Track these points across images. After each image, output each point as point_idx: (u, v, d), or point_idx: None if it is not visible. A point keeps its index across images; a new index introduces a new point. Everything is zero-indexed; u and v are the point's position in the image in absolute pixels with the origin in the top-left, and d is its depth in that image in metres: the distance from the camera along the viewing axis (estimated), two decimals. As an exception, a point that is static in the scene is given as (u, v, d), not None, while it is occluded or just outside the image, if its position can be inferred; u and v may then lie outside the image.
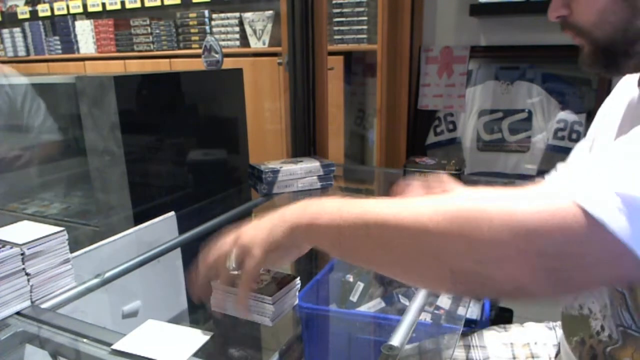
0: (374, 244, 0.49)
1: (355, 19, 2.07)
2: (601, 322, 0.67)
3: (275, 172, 1.34)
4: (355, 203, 0.52)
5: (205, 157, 1.47)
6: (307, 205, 0.56)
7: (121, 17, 2.90)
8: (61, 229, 0.79)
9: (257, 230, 0.61)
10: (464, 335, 0.98)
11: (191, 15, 2.59)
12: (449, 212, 0.43)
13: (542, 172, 1.85)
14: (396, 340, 0.63)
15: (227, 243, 0.64)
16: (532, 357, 0.88)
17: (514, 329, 0.97)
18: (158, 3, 2.69)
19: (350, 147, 2.34)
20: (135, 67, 2.74)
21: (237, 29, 2.46)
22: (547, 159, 1.85)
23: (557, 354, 0.86)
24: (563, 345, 0.77)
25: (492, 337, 0.95)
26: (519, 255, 0.40)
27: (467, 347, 0.93)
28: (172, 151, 1.36)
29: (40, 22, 3.22)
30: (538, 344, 0.90)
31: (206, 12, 2.54)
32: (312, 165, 1.41)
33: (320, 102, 1.62)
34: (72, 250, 0.82)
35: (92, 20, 2.96)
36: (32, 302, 0.75)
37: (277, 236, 0.58)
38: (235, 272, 0.64)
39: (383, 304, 1.38)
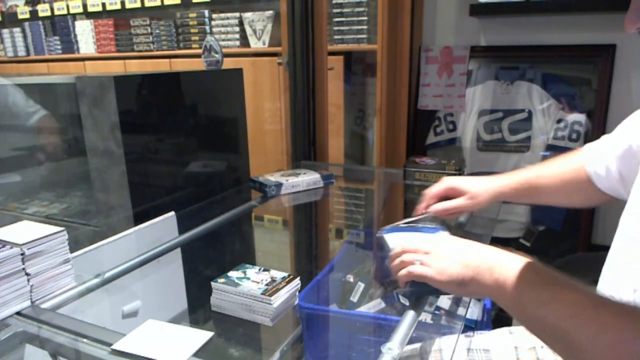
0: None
1: (355, 19, 2.07)
2: None
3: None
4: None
5: (205, 157, 1.47)
6: (495, 269, 0.65)
7: (121, 17, 2.90)
8: (61, 229, 0.79)
9: (448, 262, 0.70)
10: (467, 337, 0.97)
11: (191, 15, 2.59)
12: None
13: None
14: (396, 340, 0.63)
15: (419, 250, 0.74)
16: None
17: (519, 332, 0.96)
18: (158, 3, 2.68)
19: (350, 147, 2.34)
20: (135, 67, 2.74)
21: (237, 29, 2.46)
22: (547, 159, 1.85)
23: None
24: None
25: (496, 341, 0.94)
26: None
27: (470, 351, 0.93)
28: (172, 151, 1.36)
29: (40, 22, 3.22)
30: (545, 348, 0.89)
31: (206, 12, 2.54)
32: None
33: (320, 102, 1.62)
34: (72, 250, 0.82)
35: (92, 20, 2.96)
36: (32, 302, 0.75)
37: (458, 280, 0.68)
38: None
39: (383, 305, 1.38)
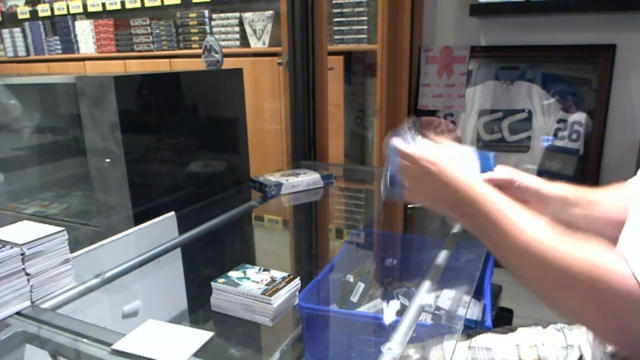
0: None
1: (355, 19, 2.07)
2: None
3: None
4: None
5: (205, 157, 1.47)
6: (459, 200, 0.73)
7: (121, 17, 2.90)
8: (61, 229, 0.79)
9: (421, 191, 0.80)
10: (469, 336, 0.97)
11: (191, 15, 2.59)
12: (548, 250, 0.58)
13: (542, 172, 1.86)
14: (396, 340, 0.63)
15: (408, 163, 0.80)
16: (540, 359, 0.88)
17: (520, 330, 0.96)
18: (158, 3, 2.68)
19: (350, 147, 2.34)
20: (135, 67, 2.74)
21: (237, 29, 2.46)
22: (547, 159, 1.85)
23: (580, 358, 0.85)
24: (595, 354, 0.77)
25: (498, 339, 0.94)
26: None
27: (472, 349, 0.93)
28: (172, 151, 1.36)
29: (40, 22, 3.22)
30: (546, 345, 0.89)
31: (206, 12, 2.54)
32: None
33: (320, 102, 1.62)
34: (72, 250, 0.82)
35: (92, 20, 2.95)
36: (32, 302, 0.75)
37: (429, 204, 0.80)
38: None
39: (383, 305, 1.38)
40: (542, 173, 1.86)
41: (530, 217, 0.64)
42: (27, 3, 3.36)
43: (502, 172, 0.86)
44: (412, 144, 0.83)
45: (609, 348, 0.72)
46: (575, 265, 0.56)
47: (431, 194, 0.79)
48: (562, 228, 0.61)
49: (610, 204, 0.83)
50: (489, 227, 0.67)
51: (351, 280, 1.42)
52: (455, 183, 0.73)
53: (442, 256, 0.91)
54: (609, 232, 0.79)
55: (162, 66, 2.63)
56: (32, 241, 0.74)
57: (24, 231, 0.77)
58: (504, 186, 0.85)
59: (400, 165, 0.81)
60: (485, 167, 0.87)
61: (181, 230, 1.15)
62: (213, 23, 2.54)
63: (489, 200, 0.69)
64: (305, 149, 1.64)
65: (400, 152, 0.80)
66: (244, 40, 2.47)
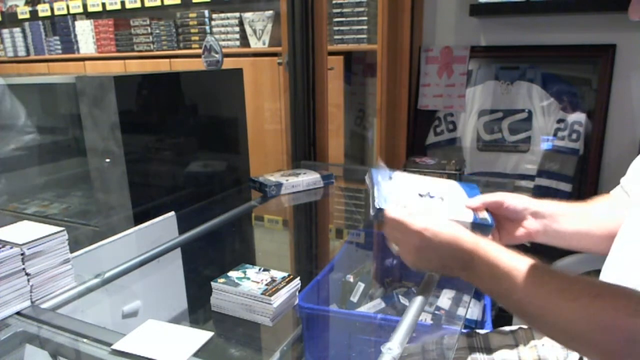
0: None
1: (355, 19, 2.07)
2: None
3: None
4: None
5: (205, 157, 1.47)
6: (472, 264, 0.68)
7: (121, 17, 2.90)
8: (61, 229, 0.79)
9: (424, 259, 0.74)
10: (468, 336, 0.97)
11: (191, 15, 2.59)
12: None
13: (542, 172, 1.86)
14: (396, 340, 0.63)
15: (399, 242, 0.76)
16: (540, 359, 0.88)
17: (520, 331, 0.96)
18: (158, 3, 2.68)
19: (350, 147, 2.34)
20: (135, 67, 2.74)
21: (237, 29, 2.46)
22: (547, 159, 1.85)
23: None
24: None
25: (497, 339, 0.94)
26: None
27: (472, 349, 0.93)
28: (172, 151, 1.36)
29: (40, 22, 3.22)
30: (546, 346, 0.89)
31: (206, 12, 2.54)
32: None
33: (320, 102, 1.62)
34: (72, 250, 0.82)
35: (92, 20, 2.95)
36: (32, 302, 0.75)
37: (432, 271, 0.75)
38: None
39: (383, 305, 1.38)
40: (542, 173, 1.86)
41: (548, 278, 0.61)
42: (27, 3, 3.36)
43: (491, 195, 0.86)
44: (388, 181, 0.82)
45: None
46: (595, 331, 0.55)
47: (435, 261, 0.73)
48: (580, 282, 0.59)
49: (596, 218, 0.84)
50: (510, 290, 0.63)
51: (351, 280, 1.42)
52: (458, 245, 0.69)
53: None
54: (599, 246, 0.81)
55: (162, 66, 2.63)
56: (32, 241, 0.74)
57: (24, 231, 0.77)
58: (494, 208, 0.85)
59: (391, 236, 0.77)
60: (472, 196, 0.87)
61: (181, 230, 1.15)
62: (213, 23, 2.54)
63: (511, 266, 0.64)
64: (305, 149, 1.64)
65: (388, 220, 0.76)
66: (244, 40, 2.47)
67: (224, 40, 2.48)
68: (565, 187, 1.82)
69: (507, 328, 0.99)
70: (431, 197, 0.86)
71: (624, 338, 0.52)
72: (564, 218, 0.83)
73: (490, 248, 0.67)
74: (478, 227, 0.80)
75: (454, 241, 0.69)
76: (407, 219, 0.73)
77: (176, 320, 1.19)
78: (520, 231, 0.83)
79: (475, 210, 0.84)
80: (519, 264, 0.63)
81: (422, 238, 0.71)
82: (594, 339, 0.54)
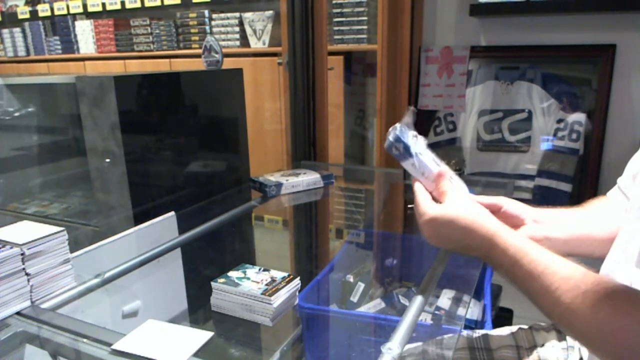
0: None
1: (355, 19, 2.07)
2: None
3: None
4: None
5: (205, 157, 1.47)
6: (489, 251, 0.70)
7: (121, 17, 2.90)
8: (61, 229, 0.79)
9: (444, 240, 0.75)
10: (468, 336, 0.97)
11: (191, 15, 2.59)
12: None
13: (542, 172, 1.86)
14: (396, 340, 0.63)
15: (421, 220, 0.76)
16: None
17: (520, 331, 0.96)
18: (158, 3, 2.68)
19: (350, 147, 2.34)
20: (135, 67, 2.74)
21: (237, 29, 2.46)
22: (547, 159, 1.85)
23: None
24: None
25: (497, 339, 0.94)
26: None
27: (472, 350, 0.93)
28: (172, 151, 1.36)
29: (40, 22, 3.22)
30: (546, 346, 0.89)
31: (206, 12, 2.54)
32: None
33: (320, 102, 1.62)
34: (72, 250, 0.82)
35: (92, 20, 2.96)
36: (32, 302, 0.75)
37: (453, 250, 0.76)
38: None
39: (383, 305, 1.39)
40: (542, 173, 1.86)
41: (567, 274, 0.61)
42: (27, 3, 3.37)
43: (490, 197, 0.86)
44: (412, 145, 0.82)
45: None
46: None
47: (457, 242, 0.74)
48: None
49: (594, 222, 0.84)
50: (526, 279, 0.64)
51: (351, 280, 1.42)
52: (483, 232, 0.70)
53: (442, 256, 0.91)
54: (599, 250, 0.80)
55: (162, 66, 2.64)
56: (32, 241, 0.74)
57: (24, 231, 0.77)
58: (492, 211, 0.82)
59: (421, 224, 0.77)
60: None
61: (181, 230, 1.15)
62: (213, 23, 2.54)
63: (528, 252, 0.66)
64: (305, 149, 1.64)
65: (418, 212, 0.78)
66: (244, 40, 2.47)
67: (224, 40, 2.49)
68: (565, 187, 1.82)
69: (507, 328, 0.99)
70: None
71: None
72: (562, 224, 0.83)
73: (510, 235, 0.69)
74: None
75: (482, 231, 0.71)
76: (435, 211, 0.75)
77: (176, 320, 1.19)
78: None
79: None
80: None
81: (455, 227, 0.72)
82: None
